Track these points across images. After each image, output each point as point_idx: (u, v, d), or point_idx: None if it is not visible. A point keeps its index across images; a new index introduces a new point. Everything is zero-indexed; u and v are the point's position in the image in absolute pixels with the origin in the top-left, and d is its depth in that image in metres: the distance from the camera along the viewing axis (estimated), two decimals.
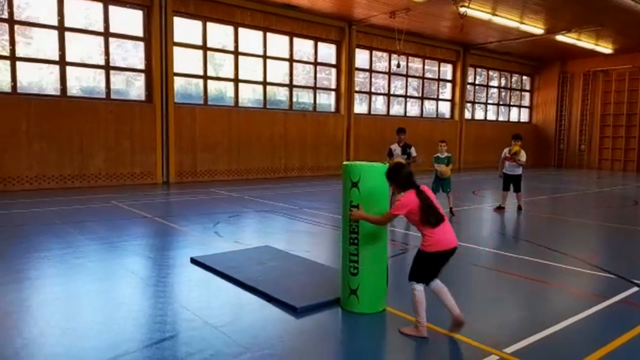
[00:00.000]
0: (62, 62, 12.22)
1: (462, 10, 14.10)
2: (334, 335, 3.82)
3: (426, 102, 21.31)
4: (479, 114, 24.05)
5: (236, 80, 15.31)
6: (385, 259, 4.11)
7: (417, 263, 3.66)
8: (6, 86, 11.61)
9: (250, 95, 15.95)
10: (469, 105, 23.00)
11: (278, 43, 16.17)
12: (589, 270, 5.67)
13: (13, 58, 11.57)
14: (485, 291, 5.02)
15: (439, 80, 21.60)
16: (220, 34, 14.96)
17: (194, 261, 5.52)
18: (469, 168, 21.84)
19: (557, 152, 25.44)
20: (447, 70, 21.94)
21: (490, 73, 24.08)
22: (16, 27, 11.59)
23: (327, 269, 5.29)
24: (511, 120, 25.64)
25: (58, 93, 12.27)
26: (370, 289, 4.05)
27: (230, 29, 15.03)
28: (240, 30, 15.18)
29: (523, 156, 9.84)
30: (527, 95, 26.34)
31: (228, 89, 15.40)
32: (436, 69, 21.41)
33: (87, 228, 7.36)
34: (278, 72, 16.38)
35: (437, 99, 21.76)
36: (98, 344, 3.42)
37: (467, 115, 22.88)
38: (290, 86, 16.68)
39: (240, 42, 15.19)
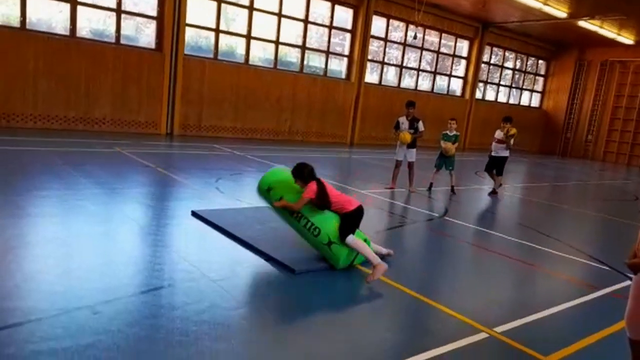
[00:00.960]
0: (74, 1, 11.93)
1: None
2: (327, 298, 3.88)
3: (438, 78, 20.97)
4: (490, 95, 23.72)
5: (248, 37, 15.00)
6: (331, 215, 4.41)
7: (343, 224, 4.35)
8: (15, 21, 11.38)
9: (260, 54, 15.66)
10: (480, 84, 22.66)
11: (294, 2, 15.74)
12: (583, 259, 5.73)
13: None
14: (478, 270, 5.08)
15: (453, 56, 21.18)
16: None
17: (194, 214, 5.54)
18: (474, 149, 21.72)
19: (564, 140, 25.25)
20: (463, 47, 21.48)
21: (507, 54, 23.60)
22: None
23: None
24: (522, 104, 25.32)
25: (67, 33, 12.04)
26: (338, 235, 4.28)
27: None
28: None
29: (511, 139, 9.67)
30: (540, 80, 25.90)
31: (239, 44, 15.11)
32: (452, 44, 20.96)
33: (89, 172, 7.36)
34: (291, 32, 16.03)
35: (450, 75, 21.41)
36: (96, 286, 3.47)
37: (478, 94, 22.57)
38: (303, 48, 16.36)
39: None
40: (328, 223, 4.32)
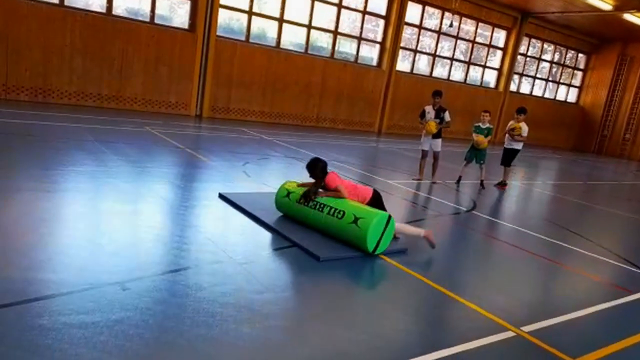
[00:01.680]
0: None
1: None
2: (352, 287, 3.86)
3: (472, 68, 20.48)
4: (525, 88, 23.06)
5: (281, 20, 14.92)
6: (349, 201, 4.66)
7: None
8: None
9: (292, 38, 15.57)
10: (516, 77, 22.03)
11: None
12: (614, 260, 5.54)
13: None
14: (506, 267, 4.97)
15: (489, 46, 20.62)
16: None
17: (222, 197, 5.59)
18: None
19: (600, 138, 24.42)
20: (500, 37, 20.87)
21: (545, 45, 22.83)
22: None
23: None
24: (557, 98, 24.53)
25: (104, 10, 12.21)
26: (363, 211, 4.41)
27: None
28: None
29: (525, 131, 9.18)
30: (579, 74, 25.00)
31: (271, 28, 15.05)
32: (489, 33, 20.39)
33: (119, 149, 7.50)
34: (324, 16, 15.86)
35: (484, 66, 20.87)
36: (126, 263, 3.54)
37: (513, 87, 21.96)
38: (335, 33, 16.18)
39: None
40: (350, 204, 4.56)
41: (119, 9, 12.50)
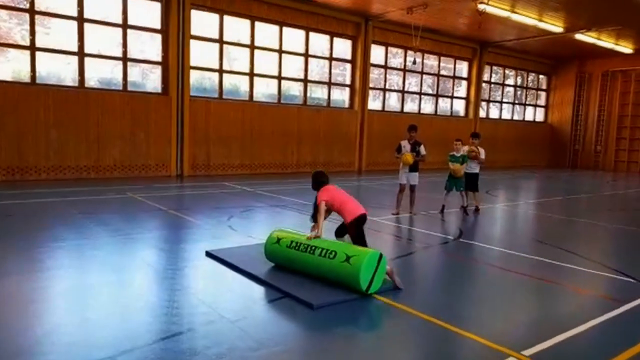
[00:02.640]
0: (81, 54, 12.32)
1: (480, 7, 13.94)
2: (350, 332, 3.82)
3: (440, 100, 21.15)
4: (494, 113, 23.81)
5: (251, 74, 15.33)
6: (340, 242, 4.96)
7: (354, 236, 5.02)
8: (25, 76, 11.75)
9: (264, 90, 15.97)
10: (483, 103, 22.78)
11: (294, 37, 16.13)
12: (605, 272, 5.60)
13: (33, 48, 11.68)
14: (500, 292, 4.98)
15: (454, 77, 21.41)
16: (236, 27, 14.96)
17: (208, 254, 5.55)
18: (483, 167, 21.63)
19: (572, 152, 25.11)
20: (462, 68, 21.73)
21: (507, 71, 23.81)
22: (36, 17, 11.69)
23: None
24: (526, 119, 25.35)
25: (76, 84, 12.39)
26: (355, 250, 4.47)
27: (246, 23, 15.03)
28: (257, 24, 15.18)
29: (482, 154, 9.48)
30: (543, 94, 26.00)
31: (243, 82, 15.43)
32: (452, 66, 21.22)
33: (102, 219, 7.43)
34: (293, 66, 16.36)
35: (452, 97, 21.58)
36: (116, 334, 3.46)
37: (482, 114, 22.66)
38: (305, 81, 16.66)
39: (256, 36, 15.19)
40: (341, 245, 4.70)
41: (91, 80, 12.70)
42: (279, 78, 15.96)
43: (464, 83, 21.88)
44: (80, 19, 12.23)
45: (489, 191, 12.90)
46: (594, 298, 4.85)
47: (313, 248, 4.62)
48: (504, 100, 24.15)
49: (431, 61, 20.47)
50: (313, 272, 4.61)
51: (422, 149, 8.85)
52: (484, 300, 4.70)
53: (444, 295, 4.78)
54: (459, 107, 22.01)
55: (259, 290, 4.55)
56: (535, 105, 25.80)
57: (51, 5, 12.05)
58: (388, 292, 4.49)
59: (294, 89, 16.73)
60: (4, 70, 11.61)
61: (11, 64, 11.81)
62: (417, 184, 9.00)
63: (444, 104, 21.40)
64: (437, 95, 20.91)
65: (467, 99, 21.95)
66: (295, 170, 16.39)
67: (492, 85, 23.40)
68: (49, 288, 4.51)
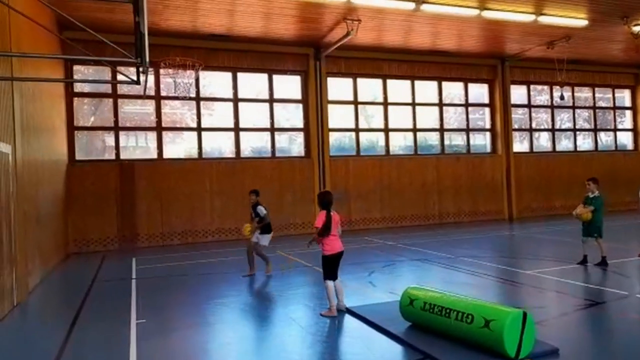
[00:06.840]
0: (237, 128, 14.10)
1: (636, 29, 12.48)
2: None
3: (601, 134, 18.92)
4: None
5: (386, 130, 15.72)
6: (477, 301, 4.54)
7: (325, 266, 5.72)
8: (194, 152, 13.80)
9: (401, 143, 16.17)
10: None
11: (426, 89, 16.26)
12: None
13: (199, 129, 13.76)
14: None
15: (614, 108, 19.09)
16: (369, 86, 15.69)
17: (349, 311, 5.66)
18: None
19: None
20: (624, 97, 19.31)
21: None
22: (201, 102, 13.84)
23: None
24: None
25: (233, 155, 14.11)
26: (493, 311, 4.13)
27: (378, 82, 15.67)
28: (389, 81, 15.72)
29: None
30: None
31: (379, 138, 15.88)
32: (610, 96, 19.02)
33: (257, 278, 8.12)
34: (428, 117, 16.37)
35: (615, 130, 19.17)
36: None
37: None
38: (442, 130, 16.47)
39: (389, 92, 15.69)
40: (477, 306, 4.29)
41: (245, 151, 14.36)
42: (414, 130, 16.06)
43: (628, 113, 19.33)
44: (235, 100, 14.09)
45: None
46: None
47: (448, 311, 4.40)
48: None
49: (584, 93, 18.65)
50: (453, 334, 4.39)
51: (261, 210, 8.39)
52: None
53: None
54: (626, 139, 19.39)
55: (398, 350, 4.47)
56: None
57: (214, 90, 14.17)
58: (543, 357, 4.04)
59: (432, 139, 16.62)
60: (180, 149, 13.81)
61: (185, 144, 14.00)
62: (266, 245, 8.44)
63: (606, 138, 19.09)
64: (596, 130, 18.79)
65: (634, 130, 19.27)
66: (438, 221, 15.93)
67: None
68: (209, 342, 5.05)
